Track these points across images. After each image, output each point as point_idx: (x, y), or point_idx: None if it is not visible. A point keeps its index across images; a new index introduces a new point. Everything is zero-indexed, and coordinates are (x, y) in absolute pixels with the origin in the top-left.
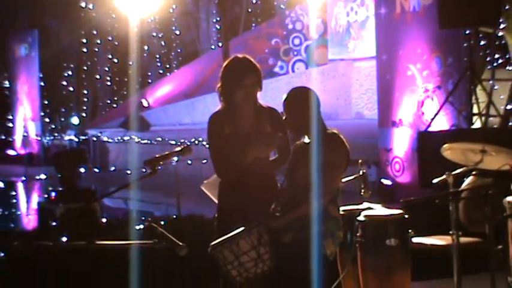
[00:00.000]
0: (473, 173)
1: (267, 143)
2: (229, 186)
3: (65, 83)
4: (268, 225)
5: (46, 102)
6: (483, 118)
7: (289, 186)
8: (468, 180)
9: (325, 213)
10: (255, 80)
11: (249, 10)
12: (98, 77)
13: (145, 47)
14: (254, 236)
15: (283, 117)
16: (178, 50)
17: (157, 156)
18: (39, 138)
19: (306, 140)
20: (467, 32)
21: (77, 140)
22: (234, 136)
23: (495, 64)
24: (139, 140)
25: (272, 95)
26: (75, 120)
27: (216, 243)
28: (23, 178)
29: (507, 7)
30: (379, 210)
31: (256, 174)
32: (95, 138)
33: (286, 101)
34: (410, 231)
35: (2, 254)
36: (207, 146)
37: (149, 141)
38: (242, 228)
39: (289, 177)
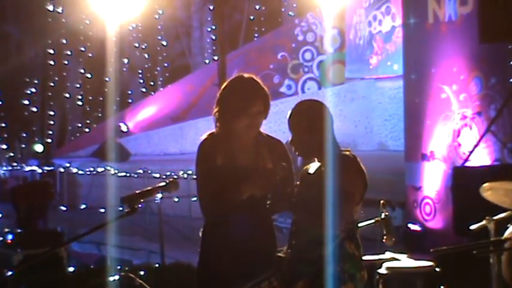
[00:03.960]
0: None
1: (266, 180)
2: (216, 231)
3: (27, 102)
4: (279, 272)
5: (3, 124)
6: None
7: (298, 229)
8: None
9: (342, 251)
10: (262, 107)
11: (251, 18)
12: (67, 95)
13: (126, 60)
14: None
15: (290, 140)
16: (165, 65)
17: (137, 192)
18: None
19: (311, 169)
20: None
21: (40, 171)
22: (227, 169)
23: None
24: (116, 172)
25: (277, 119)
26: (38, 147)
27: None
28: None
29: None
30: (404, 261)
31: (250, 218)
32: (62, 169)
33: (292, 117)
34: (442, 287)
35: None
36: (195, 177)
37: (128, 174)
38: (250, 283)
39: (297, 221)
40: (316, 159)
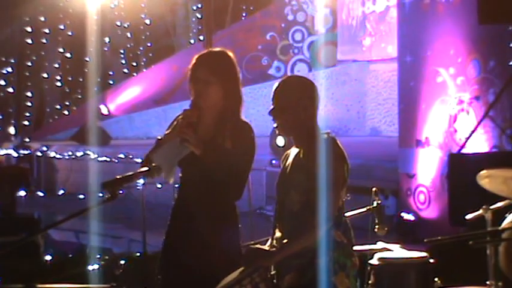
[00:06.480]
0: None
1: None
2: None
3: (2, 82)
4: (262, 267)
5: None
6: None
7: (283, 215)
8: (511, 217)
9: (329, 240)
10: (208, 76)
11: None
12: (45, 75)
13: (107, 39)
14: (246, 287)
15: (271, 109)
16: (148, 44)
17: (118, 177)
18: None
19: (289, 159)
20: None
21: (16, 155)
22: None
23: None
24: (97, 156)
25: (265, 103)
26: (14, 130)
27: None
28: None
29: None
30: (397, 252)
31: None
32: (39, 153)
33: (279, 89)
34: (436, 279)
35: None
36: None
37: (109, 159)
38: (231, 277)
39: (282, 205)
40: (294, 140)
